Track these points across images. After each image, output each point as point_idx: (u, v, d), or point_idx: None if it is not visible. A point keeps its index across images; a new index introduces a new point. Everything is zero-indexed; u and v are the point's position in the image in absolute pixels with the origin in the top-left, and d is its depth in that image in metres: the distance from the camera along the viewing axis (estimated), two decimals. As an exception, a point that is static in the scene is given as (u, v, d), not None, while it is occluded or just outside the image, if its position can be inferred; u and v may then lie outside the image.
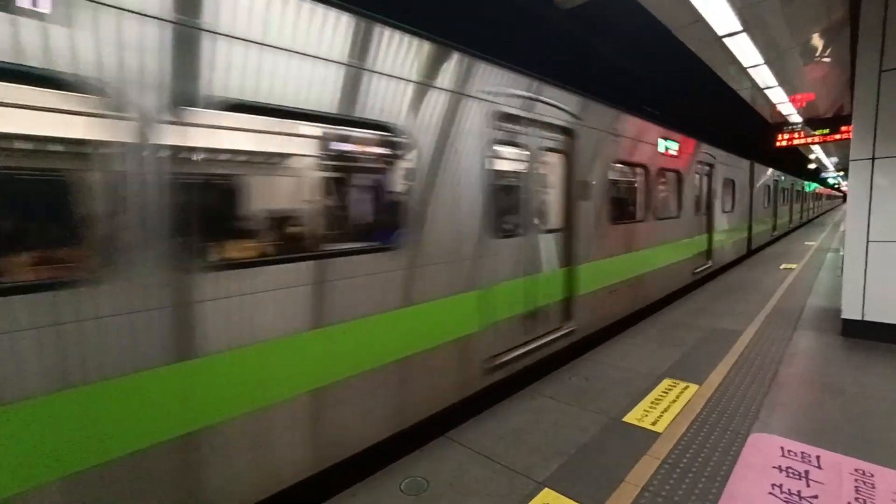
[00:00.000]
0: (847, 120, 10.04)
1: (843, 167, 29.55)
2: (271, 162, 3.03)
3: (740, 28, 5.78)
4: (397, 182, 3.11)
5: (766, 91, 8.99)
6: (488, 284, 3.74)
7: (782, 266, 10.37)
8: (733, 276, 9.38)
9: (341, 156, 2.97)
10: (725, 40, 6.15)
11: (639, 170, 6.40)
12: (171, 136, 2.04)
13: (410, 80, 3.06)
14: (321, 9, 2.54)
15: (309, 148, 2.79)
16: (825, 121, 11.51)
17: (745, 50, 6.59)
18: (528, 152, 4.29)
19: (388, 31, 2.90)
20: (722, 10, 5.31)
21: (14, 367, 1.69)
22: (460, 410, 3.51)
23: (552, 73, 4.36)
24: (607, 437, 3.11)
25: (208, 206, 2.31)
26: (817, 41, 6.88)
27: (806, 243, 15.28)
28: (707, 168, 8.78)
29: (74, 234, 1.90)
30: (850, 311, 5.05)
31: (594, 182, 5.16)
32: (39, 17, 1.70)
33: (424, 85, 3.15)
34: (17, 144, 2.08)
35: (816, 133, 11.43)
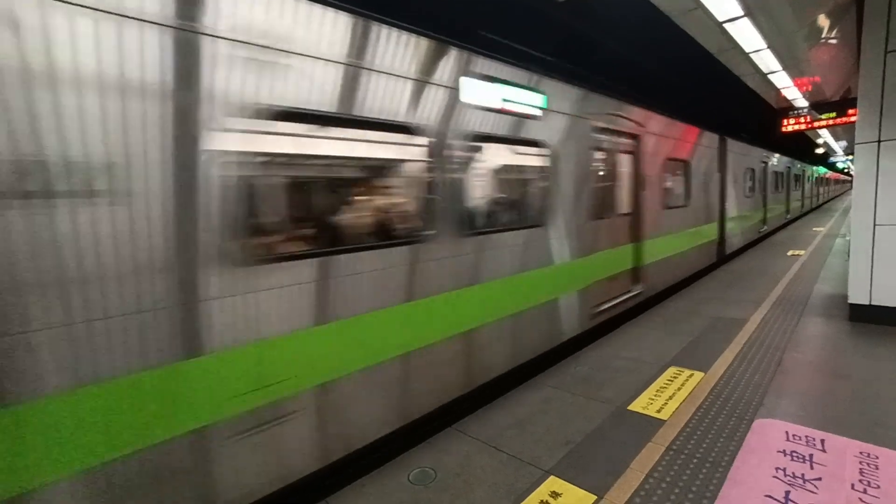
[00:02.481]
0: (854, 103, 9.88)
1: (852, 151, 29.07)
2: None
3: (741, 13, 5.71)
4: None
5: (769, 76, 8.86)
6: None
7: (790, 252, 10.29)
8: (740, 263, 9.33)
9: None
10: (726, 26, 6.08)
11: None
12: None
13: None
14: None
15: None
16: (832, 104, 11.33)
17: (746, 35, 6.51)
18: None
19: None
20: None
21: None
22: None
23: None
24: (613, 426, 3.15)
25: None
26: (823, 22, 6.76)
27: (814, 229, 15.11)
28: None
29: None
30: (857, 296, 5.02)
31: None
32: None
33: None
34: None
35: (823, 117, 11.27)
